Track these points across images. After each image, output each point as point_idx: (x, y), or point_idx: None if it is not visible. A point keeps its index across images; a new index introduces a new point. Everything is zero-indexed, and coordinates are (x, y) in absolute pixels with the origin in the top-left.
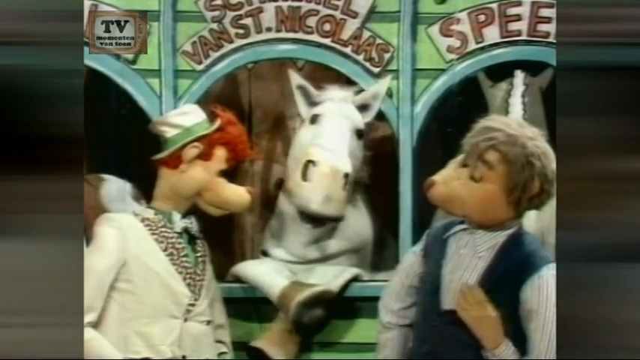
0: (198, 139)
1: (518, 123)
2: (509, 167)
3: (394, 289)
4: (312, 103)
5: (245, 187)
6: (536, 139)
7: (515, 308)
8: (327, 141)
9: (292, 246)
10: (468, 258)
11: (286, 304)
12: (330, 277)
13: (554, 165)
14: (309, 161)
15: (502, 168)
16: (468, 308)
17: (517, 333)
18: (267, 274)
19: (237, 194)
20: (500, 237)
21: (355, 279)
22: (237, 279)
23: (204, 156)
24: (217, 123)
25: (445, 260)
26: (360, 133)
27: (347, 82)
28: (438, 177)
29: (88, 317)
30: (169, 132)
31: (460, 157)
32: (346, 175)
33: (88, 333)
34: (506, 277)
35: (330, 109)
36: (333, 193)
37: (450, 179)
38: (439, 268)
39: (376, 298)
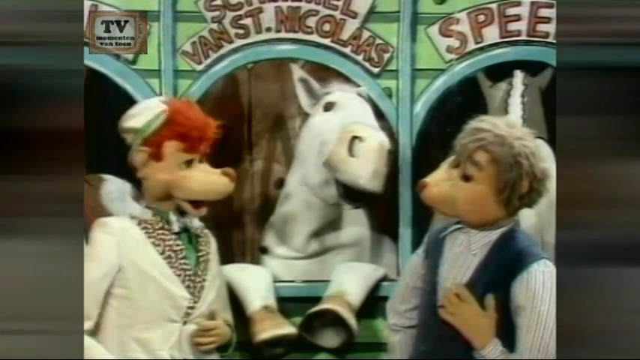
0: (144, 142)
1: (507, 123)
2: (497, 167)
3: (400, 291)
4: (314, 96)
5: (221, 169)
6: (525, 139)
7: (507, 305)
8: (365, 118)
9: (295, 240)
10: (463, 256)
11: (252, 331)
12: (355, 284)
13: (543, 164)
14: (355, 137)
15: (491, 168)
16: (453, 312)
17: (510, 330)
18: (245, 285)
19: (210, 182)
20: (494, 235)
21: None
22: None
23: (154, 157)
24: (161, 119)
25: (442, 260)
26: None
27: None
28: (430, 178)
29: (85, 325)
30: (127, 138)
31: (451, 158)
32: (390, 152)
33: (85, 341)
34: (498, 274)
35: (346, 97)
36: (379, 169)
37: (441, 180)
38: (437, 268)
39: (376, 298)
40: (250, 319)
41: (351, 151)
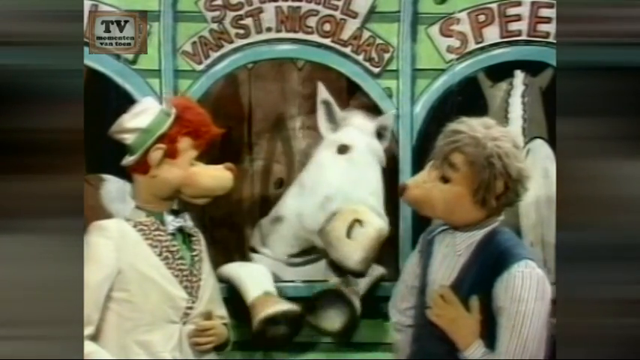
0: (159, 140)
1: (483, 124)
2: (471, 168)
3: (400, 290)
4: (334, 122)
5: (223, 165)
6: (500, 140)
7: (491, 306)
8: (371, 197)
9: (276, 251)
10: (449, 257)
11: (253, 315)
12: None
13: (519, 164)
14: (357, 220)
15: (466, 169)
16: (439, 313)
17: (493, 331)
18: (245, 278)
19: (217, 178)
20: (478, 235)
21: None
22: (222, 279)
23: (171, 154)
24: (172, 114)
25: (431, 260)
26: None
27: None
28: (411, 181)
29: (86, 330)
30: (129, 138)
31: (433, 161)
32: (386, 237)
33: (88, 347)
34: (482, 275)
35: (360, 144)
36: (371, 255)
37: (422, 182)
38: (426, 268)
39: (376, 298)
40: (252, 305)
41: (348, 233)
